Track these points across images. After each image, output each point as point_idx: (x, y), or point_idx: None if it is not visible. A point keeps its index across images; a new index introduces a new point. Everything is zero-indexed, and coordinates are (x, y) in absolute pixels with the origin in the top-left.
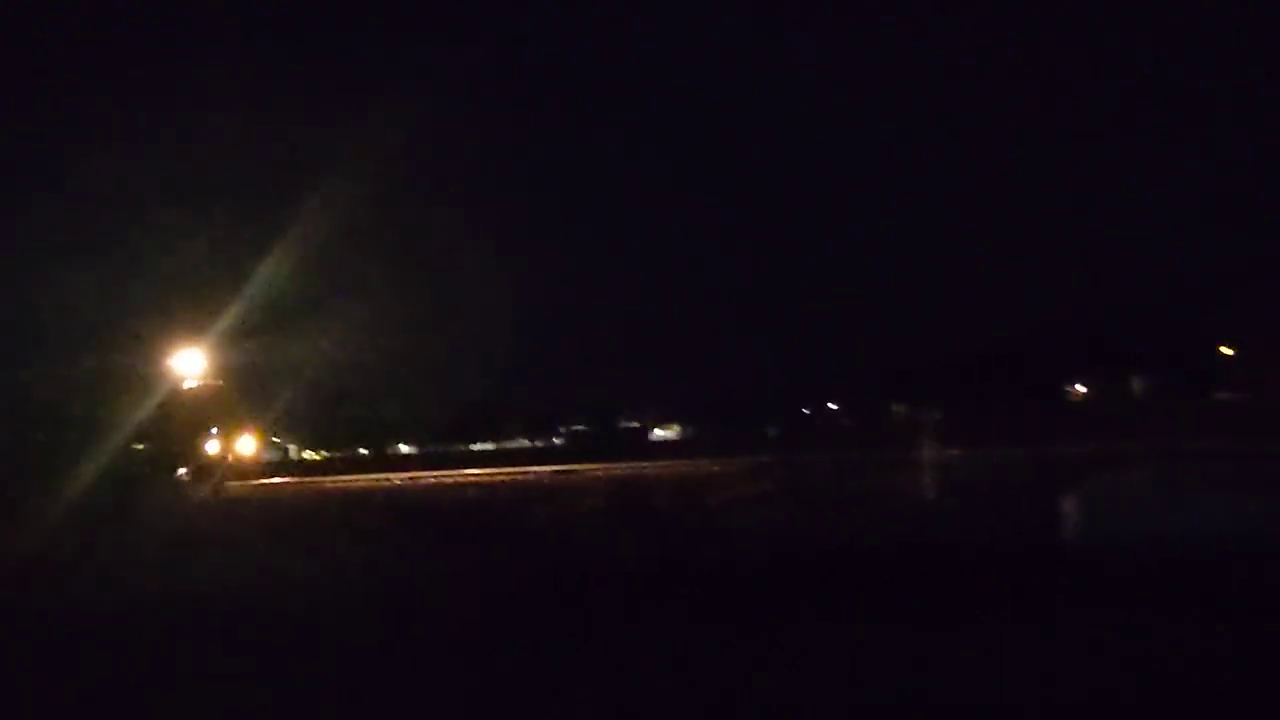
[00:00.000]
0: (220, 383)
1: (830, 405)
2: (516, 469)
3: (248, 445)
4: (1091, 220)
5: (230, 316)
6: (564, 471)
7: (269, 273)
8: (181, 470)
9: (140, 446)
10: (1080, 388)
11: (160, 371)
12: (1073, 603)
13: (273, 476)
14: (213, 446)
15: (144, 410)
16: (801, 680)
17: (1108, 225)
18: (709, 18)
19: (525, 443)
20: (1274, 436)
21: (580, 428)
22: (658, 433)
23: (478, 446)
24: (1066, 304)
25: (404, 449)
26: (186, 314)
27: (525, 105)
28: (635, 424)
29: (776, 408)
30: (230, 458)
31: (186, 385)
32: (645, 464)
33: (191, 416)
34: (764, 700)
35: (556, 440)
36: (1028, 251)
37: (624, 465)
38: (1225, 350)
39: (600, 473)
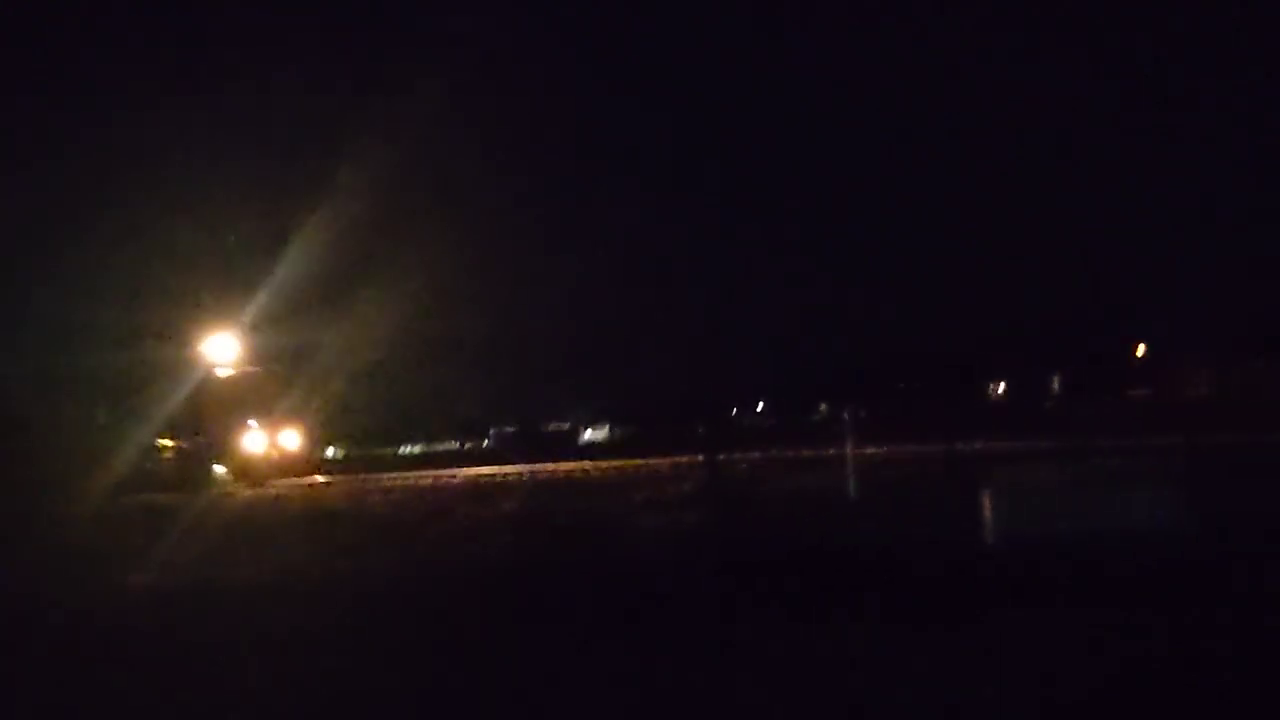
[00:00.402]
0: (259, 369)
1: (758, 405)
2: (440, 471)
3: (292, 439)
4: (1015, 221)
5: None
6: (487, 474)
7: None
8: (220, 467)
9: (169, 442)
10: (1001, 386)
11: (191, 357)
12: (983, 600)
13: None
14: (255, 440)
15: (174, 401)
16: (706, 684)
17: (1030, 226)
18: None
19: (454, 445)
20: (1182, 432)
21: (510, 429)
22: (588, 434)
23: (405, 450)
24: (988, 304)
25: (330, 452)
26: (219, 294)
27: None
28: (565, 425)
29: (705, 408)
30: (276, 453)
31: (221, 372)
32: (570, 465)
33: (229, 407)
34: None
35: (486, 442)
36: (950, 253)
37: (550, 466)
38: (1139, 350)
39: (524, 474)
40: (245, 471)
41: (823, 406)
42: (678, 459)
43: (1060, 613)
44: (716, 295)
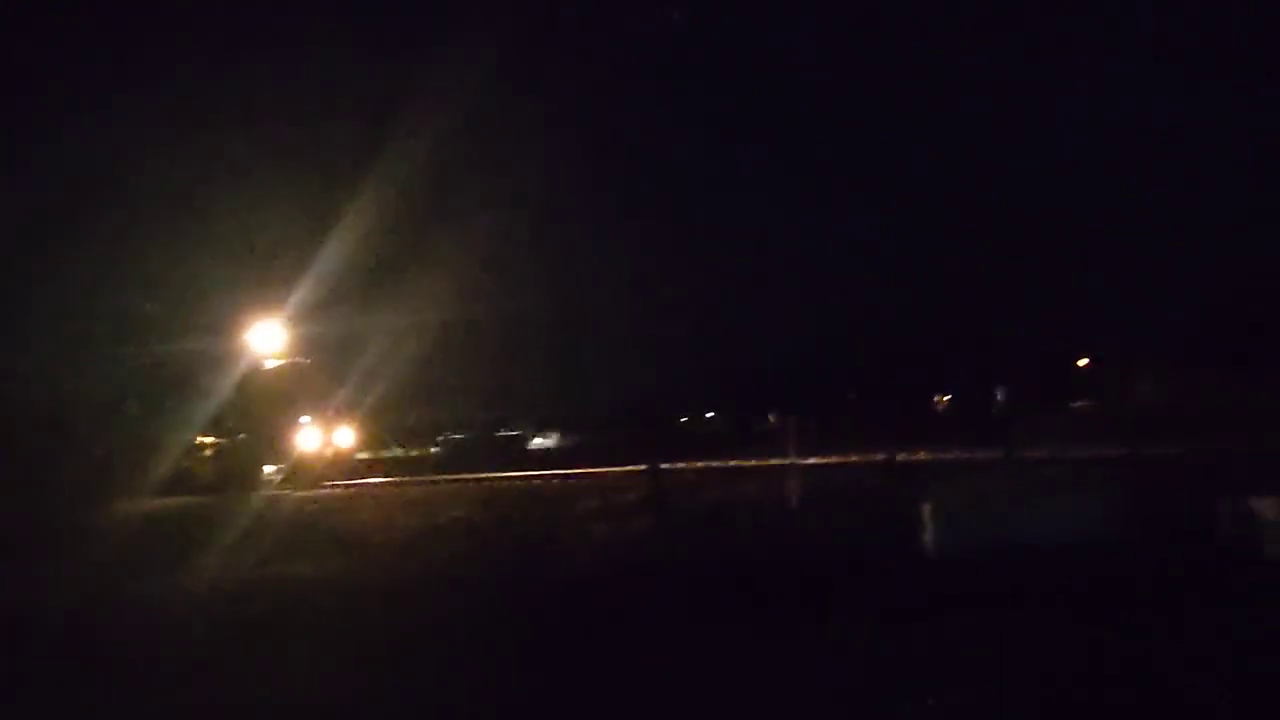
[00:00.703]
0: (306, 360)
1: (708, 414)
2: (392, 480)
3: (346, 437)
4: (965, 233)
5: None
6: (432, 481)
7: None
8: (270, 468)
9: (210, 440)
10: (947, 396)
11: (234, 349)
12: (919, 608)
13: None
14: (309, 439)
15: (216, 396)
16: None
17: (980, 238)
18: None
19: (400, 452)
20: (1124, 442)
21: (458, 436)
22: (537, 441)
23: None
24: (937, 314)
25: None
26: (261, 280)
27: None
28: (515, 432)
29: (655, 416)
30: (330, 453)
31: (267, 365)
32: (516, 474)
33: (277, 402)
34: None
35: (434, 449)
36: (897, 262)
37: (496, 475)
38: (1081, 362)
39: (472, 483)
40: (301, 472)
41: (771, 415)
42: (626, 468)
43: (993, 619)
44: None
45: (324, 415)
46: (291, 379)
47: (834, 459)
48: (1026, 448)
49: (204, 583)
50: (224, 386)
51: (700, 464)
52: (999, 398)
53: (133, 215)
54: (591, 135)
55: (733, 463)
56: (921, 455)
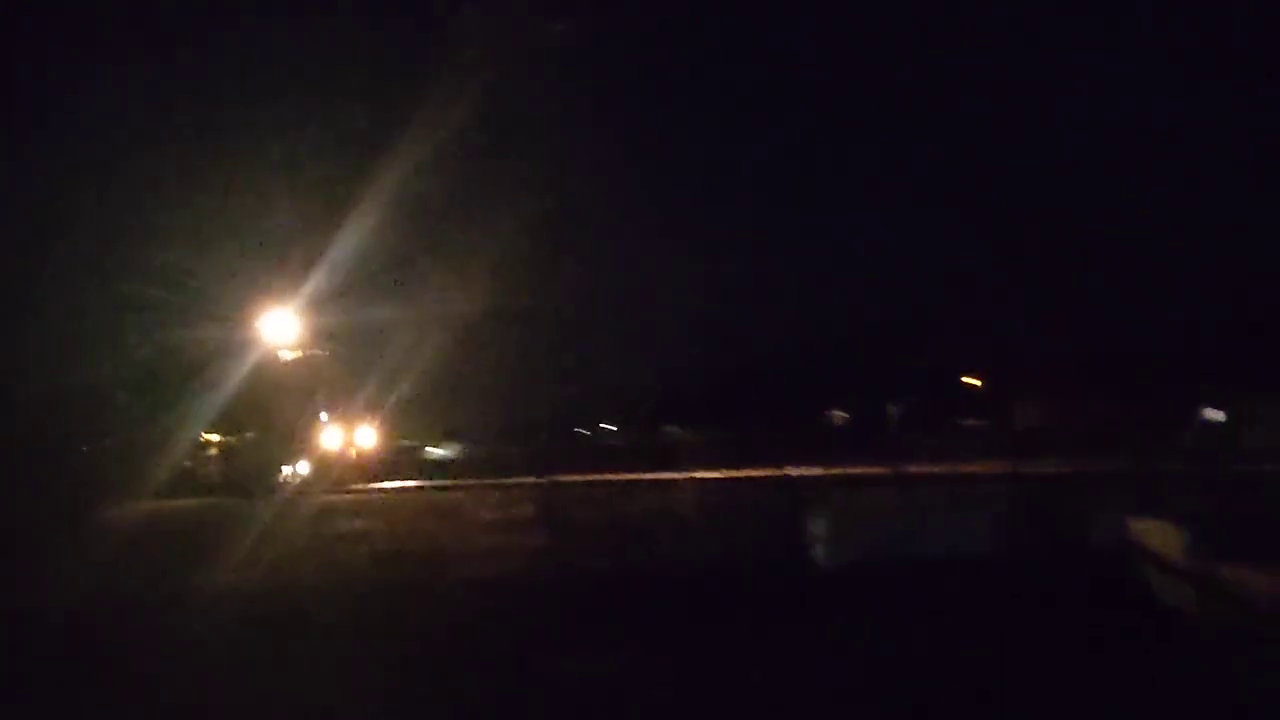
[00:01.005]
0: (325, 352)
1: (605, 425)
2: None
3: (367, 436)
4: (866, 253)
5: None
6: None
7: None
8: (288, 469)
9: (215, 438)
10: (840, 413)
11: (244, 338)
12: (811, 616)
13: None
14: (331, 437)
15: (225, 390)
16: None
17: (880, 258)
18: None
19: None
20: (1011, 460)
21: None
22: (432, 451)
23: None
24: (831, 331)
25: None
26: (274, 265)
27: None
28: (413, 443)
29: (554, 427)
30: (353, 452)
31: (282, 356)
32: (414, 485)
33: (293, 397)
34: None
35: None
36: (795, 279)
37: (398, 487)
38: (970, 380)
39: (375, 494)
40: (324, 474)
41: (671, 428)
42: (523, 479)
43: (874, 626)
44: (573, 313)
45: (344, 412)
46: (307, 372)
47: (731, 473)
48: (918, 464)
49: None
50: (232, 379)
51: (595, 476)
52: (893, 415)
53: (133, 194)
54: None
55: (630, 476)
56: (817, 470)
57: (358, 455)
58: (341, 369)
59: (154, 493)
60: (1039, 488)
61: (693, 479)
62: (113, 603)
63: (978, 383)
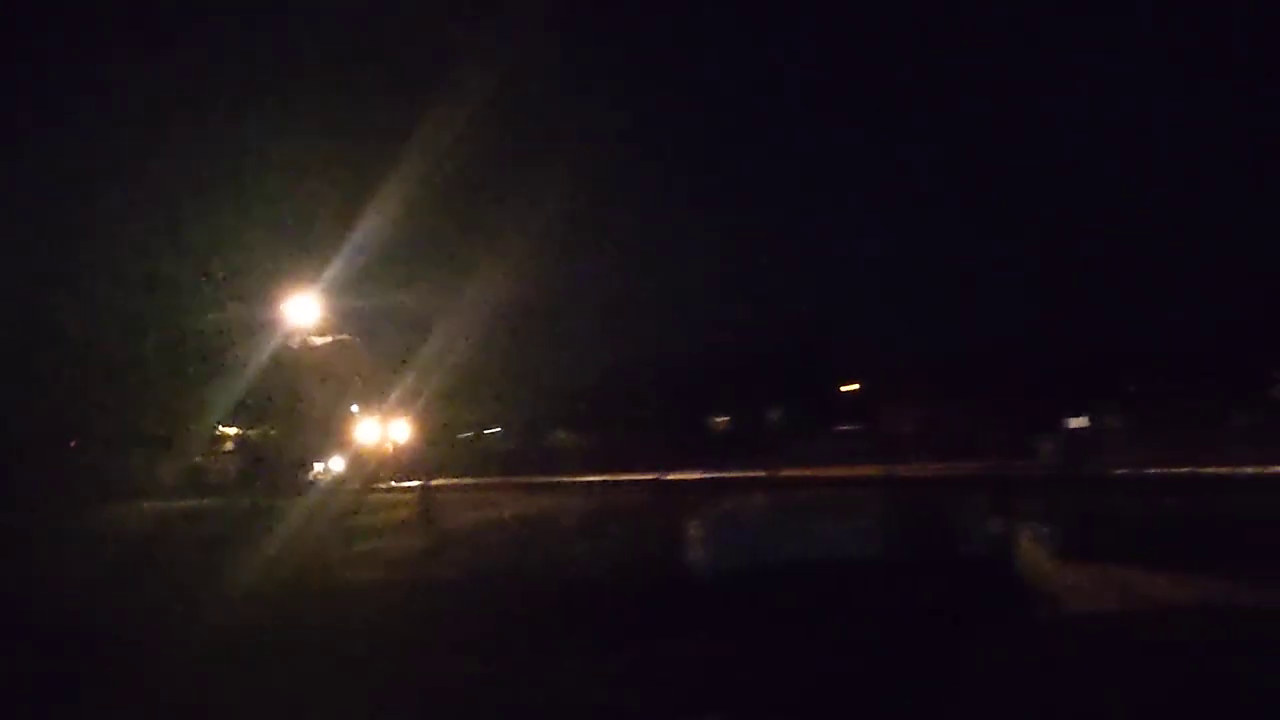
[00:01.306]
0: (354, 338)
1: (489, 430)
2: None
3: (402, 431)
4: (737, 256)
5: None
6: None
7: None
8: (319, 466)
9: (233, 431)
10: (721, 418)
11: (264, 322)
12: (684, 625)
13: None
14: (368, 432)
15: (248, 379)
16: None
17: (763, 264)
18: None
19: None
20: (884, 464)
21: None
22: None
23: None
24: (713, 338)
25: None
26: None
27: None
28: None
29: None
30: (390, 448)
31: (310, 342)
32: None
33: (326, 387)
34: None
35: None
36: (680, 289)
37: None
38: (847, 387)
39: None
40: (360, 470)
41: (558, 433)
42: (403, 484)
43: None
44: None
45: (378, 404)
46: (335, 361)
47: (611, 476)
48: (794, 468)
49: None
50: (251, 366)
51: (475, 480)
52: (773, 420)
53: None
54: None
55: (513, 479)
56: (695, 474)
57: (394, 450)
58: (373, 356)
59: (157, 494)
60: (911, 491)
61: (575, 482)
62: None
63: (855, 388)
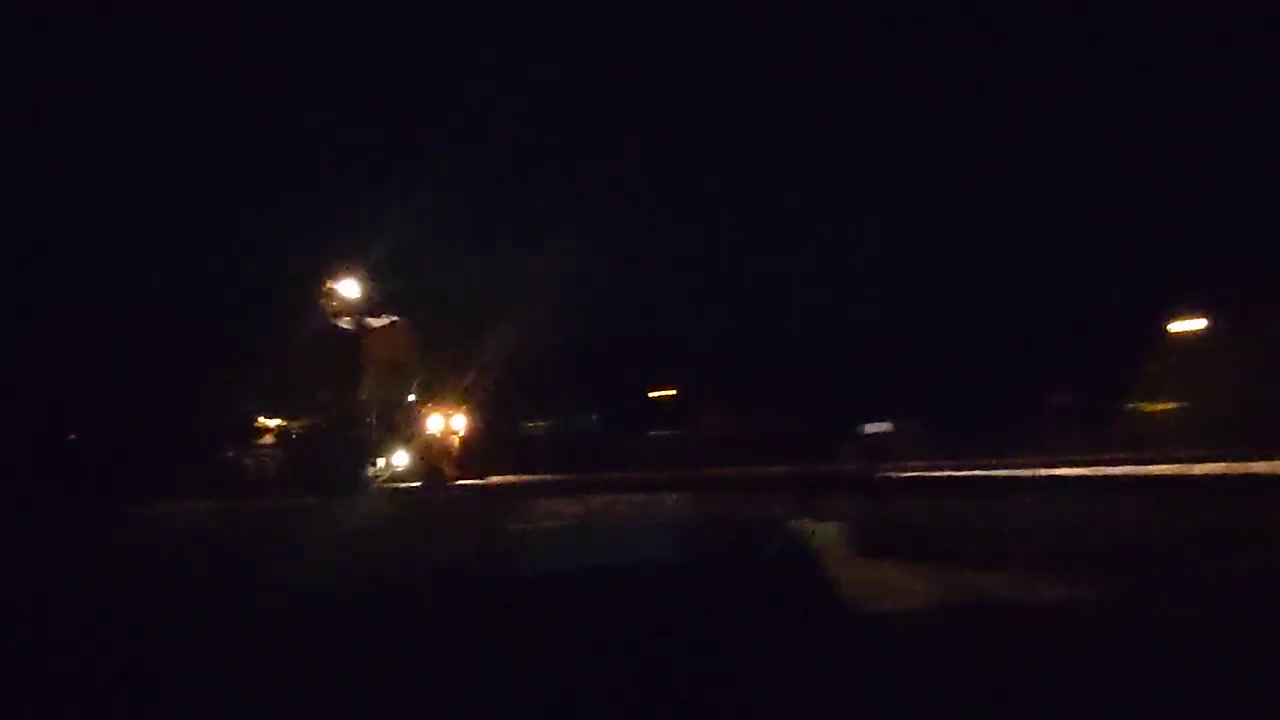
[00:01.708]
0: (408, 319)
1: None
2: None
3: (460, 423)
4: (564, 265)
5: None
6: None
7: None
8: (382, 460)
9: (275, 423)
10: (538, 422)
11: (311, 304)
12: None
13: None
14: (432, 422)
15: (291, 364)
16: None
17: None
18: None
19: None
20: (700, 468)
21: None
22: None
23: None
24: (532, 344)
25: None
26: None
27: None
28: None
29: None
30: (455, 440)
31: (364, 325)
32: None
33: (383, 373)
34: None
35: None
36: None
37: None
38: (656, 393)
39: None
40: (426, 465)
41: None
42: None
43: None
44: None
45: (439, 394)
46: (395, 344)
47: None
48: (610, 472)
49: None
50: (295, 350)
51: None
52: (593, 424)
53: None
54: None
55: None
56: (510, 478)
57: (459, 443)
58: (414, 340)
59: (185, 491)
60: (720, 493)
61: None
62: None
63: (670, 394)
